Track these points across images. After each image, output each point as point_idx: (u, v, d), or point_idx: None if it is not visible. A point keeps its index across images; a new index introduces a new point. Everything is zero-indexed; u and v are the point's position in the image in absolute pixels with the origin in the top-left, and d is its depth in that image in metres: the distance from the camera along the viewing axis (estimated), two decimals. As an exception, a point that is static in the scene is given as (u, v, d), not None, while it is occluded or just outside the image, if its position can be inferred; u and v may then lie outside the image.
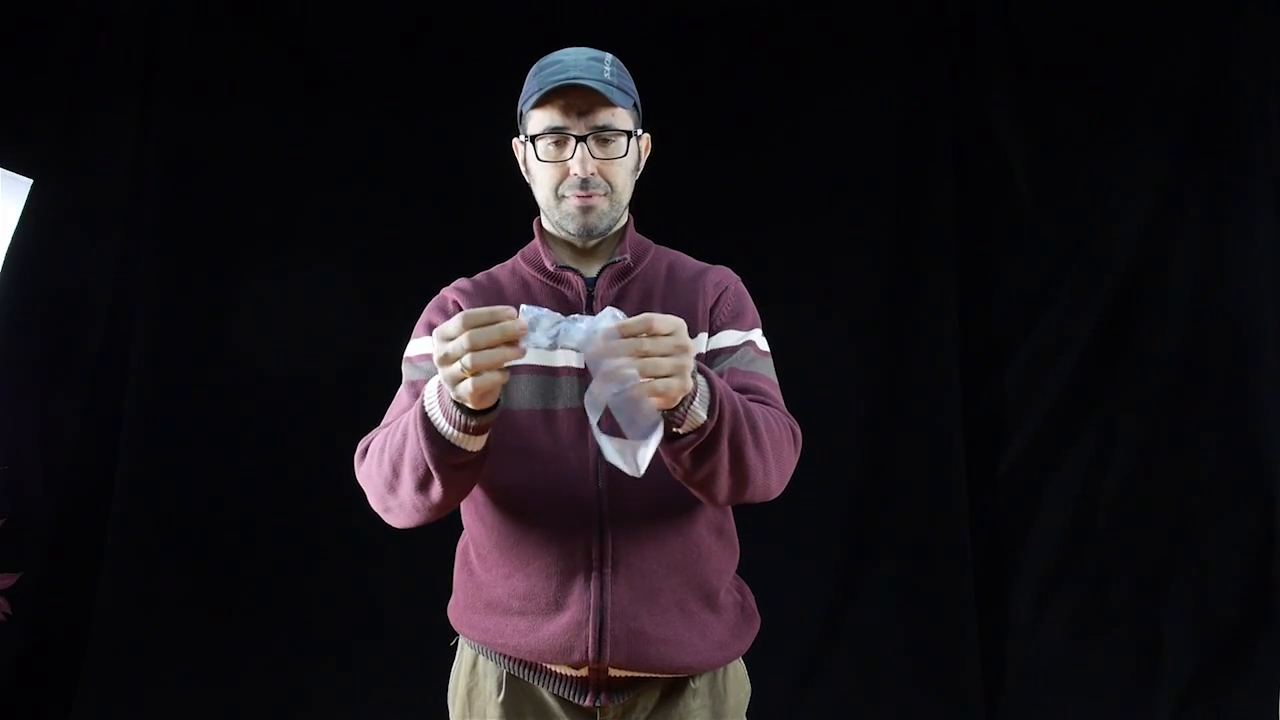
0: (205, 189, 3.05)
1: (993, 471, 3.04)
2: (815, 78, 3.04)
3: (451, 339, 1.08)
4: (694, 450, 1.19)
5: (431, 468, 1.19)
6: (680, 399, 1.12)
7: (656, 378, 1.07)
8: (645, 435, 1.09)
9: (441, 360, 1.10)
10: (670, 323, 1.09)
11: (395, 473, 1.25)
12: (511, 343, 1.07)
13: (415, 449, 1.20)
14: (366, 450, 1.34)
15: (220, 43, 3.05)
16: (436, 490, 1.22)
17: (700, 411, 1.16)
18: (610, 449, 1.09)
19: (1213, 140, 2.96)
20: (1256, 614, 2.90)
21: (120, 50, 3.03)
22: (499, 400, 1.15)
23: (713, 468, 1.21)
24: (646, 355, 1.07)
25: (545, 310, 1.09)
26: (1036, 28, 3.03)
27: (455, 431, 1.16)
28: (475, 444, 1.18)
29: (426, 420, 1.18)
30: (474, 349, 1.06)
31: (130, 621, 2.92)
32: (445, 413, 1.16)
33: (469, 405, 1.12)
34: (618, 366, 1.06)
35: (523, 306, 1.09)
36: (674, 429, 1.16)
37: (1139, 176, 2.99)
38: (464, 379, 1.08)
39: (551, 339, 1.08)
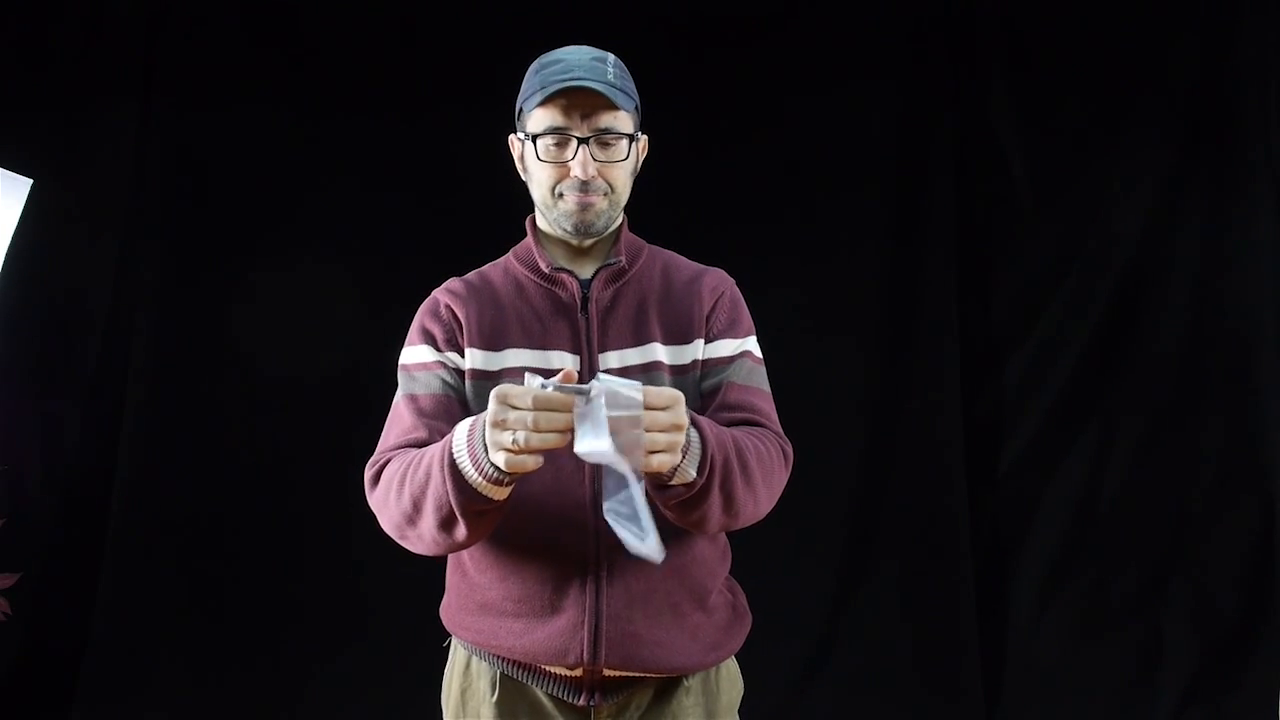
0: (205, 189, 3.05)
1: (993, 471, 3.04)
2: (816, 76, 3.03)
3: (516, 409, 1.10)
4: (682, 502, 1.23)
5: (457, 512, 1.21)
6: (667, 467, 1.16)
7: (651, 451, 1.11)
8: (619, 483, 1.11)
9: (496, 423, 1.12)
10: (668, 398, 1.13)
11: (416, 508, 1.26)
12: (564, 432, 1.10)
13: (440, 491, 1.21)
14: (378, 476, 1.34)
15: (220, 42, 3.05)
16: (460, 531, 1.24)
17: (690, 470, 1.19)
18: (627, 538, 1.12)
19: (1213, 140, 2.94)
20: (1256, 614, 2.89)
21: (120, 50, 3.03)
22: None
23: (702, 514, 1.25)
24: (647, 428, 1.10)
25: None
26: (1036, 27, 3.02)
27: (482, 480, 1.18)
28: (501, 494, 1.21)
29: (454, 466, 1.19)
30: (535, 430, 1.09)
31: (130, 621, 2.92)
32: (475, 462, 1.18)
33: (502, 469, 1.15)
34: (620, 427, 1.09)
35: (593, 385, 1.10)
36: (664, 481, 1.19)
37: (1139, 176, 2.97)
38: (509, 451, 1.11)
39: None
